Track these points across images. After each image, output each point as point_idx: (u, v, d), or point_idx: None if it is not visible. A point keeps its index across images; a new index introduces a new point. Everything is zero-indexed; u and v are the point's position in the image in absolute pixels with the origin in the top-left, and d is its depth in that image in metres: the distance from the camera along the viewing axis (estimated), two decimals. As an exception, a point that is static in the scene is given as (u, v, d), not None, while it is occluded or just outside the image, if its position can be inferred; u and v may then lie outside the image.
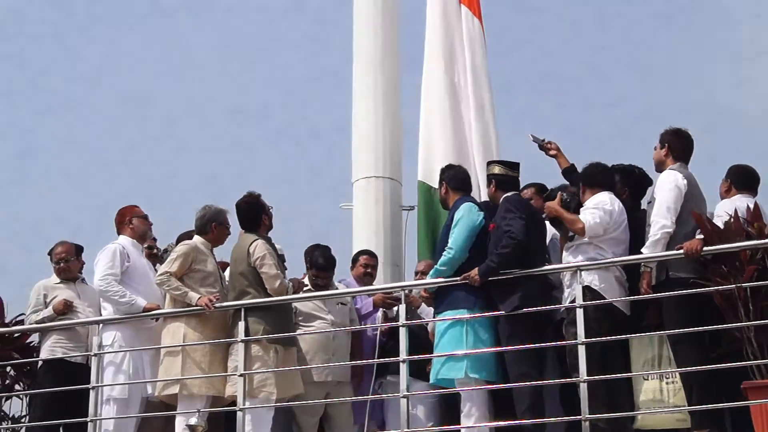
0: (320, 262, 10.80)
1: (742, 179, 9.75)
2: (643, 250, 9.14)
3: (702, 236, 8.76)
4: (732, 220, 8.80)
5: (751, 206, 9.04)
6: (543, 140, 10.54)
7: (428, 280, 10.01)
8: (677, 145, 9.52)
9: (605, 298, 9.04)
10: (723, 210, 9.29)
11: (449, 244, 9.70)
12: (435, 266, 9.90)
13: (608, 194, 9.53)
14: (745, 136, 26.28)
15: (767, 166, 9.98)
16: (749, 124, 28.55)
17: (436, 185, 11.26)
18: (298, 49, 33.95)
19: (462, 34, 12.86)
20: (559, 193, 9.86)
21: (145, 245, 11.28)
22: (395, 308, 10.20)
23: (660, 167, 9.56)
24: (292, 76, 33.43)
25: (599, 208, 9.38)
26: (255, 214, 10.44)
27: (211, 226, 10.58)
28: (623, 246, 9.39)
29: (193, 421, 8.82)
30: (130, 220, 11.02)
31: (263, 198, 10.54)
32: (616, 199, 9.54)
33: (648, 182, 10.00)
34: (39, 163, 32.56)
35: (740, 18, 31.78)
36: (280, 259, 10.92)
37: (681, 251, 8.71)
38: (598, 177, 9.70)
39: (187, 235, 10.97)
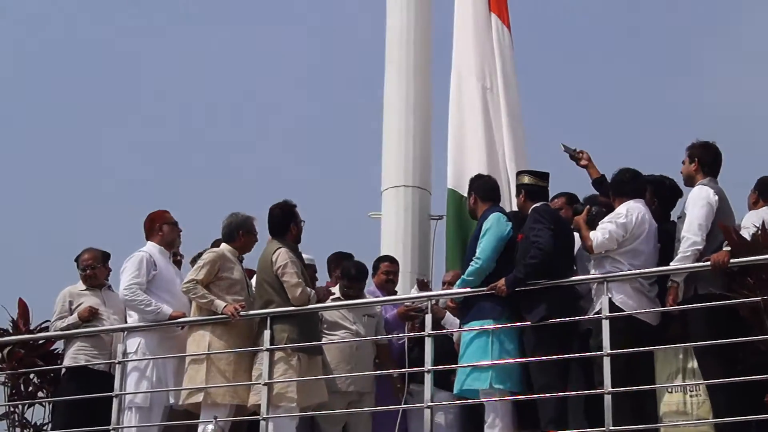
0: (352, 272, 10.82)
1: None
2: (671, 264, 9.12)
3: (729, 248, 8.69)
4: (759, 232, 8.70)
5: None
6: (575, 150, 10.50)
7: (455, 290, 9.99)
8: (707, 159, 9.45)
9: (623, 310, 9.02)
10: (750, 222, 9.24)
11: (477, 254, 9.70)
12: (462, 276, 9.87)
13: (633, 203, 9.46)
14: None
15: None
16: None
17: (465, 194, 11.26)
18: (331, 59, 34.63)
19: (492, 42, 12.91)
20: (587, 207, 9.84)
21: (176, 254, 11.35)
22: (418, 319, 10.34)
23: (690, 182, 9.49)
24: (324, 85, 34.10)
25: (612, 221, 9.35)
26: (285, 221, 10.44)
27: (238, 233, 10.59)
28: (642, 257, 9.30)
29: (210, 428, 8.88)
30: (160, 227, 10.98)
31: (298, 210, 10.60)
32: (642, 207, 9.48)
33: (678, 194, 9.92)
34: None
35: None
36: (311, 269, 11.00)
37: (708, 263, 8.66)
38: (625, 186, 9.63)
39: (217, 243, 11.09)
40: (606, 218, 9.46)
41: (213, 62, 35.35)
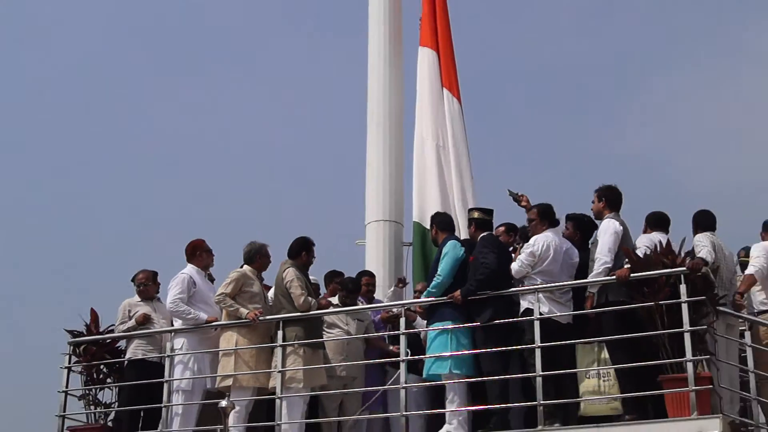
0: (350, 286, 11.59)
1: (656, 221, 10.69)
2: (588, 278, 9.94)
3: (629, 265, 9.55)
4: (651, 253, 9.64)
5: (664, 242, 9.90)
6: (517, 194, 11.04)
7: (422, 299, 10.75)
8: (611, 198, 10.33)
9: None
10: (642, 243, 10.15)
11: (438, 272, 10.47)
12: (427, 288, 10.66)
13: (543, 234, 10.32)
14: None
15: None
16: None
17: (428, 226, 12.02)
18: (322, 119, 35.98)
19: (444, 111, 13.85)
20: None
21: (209, 273, 11.86)
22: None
23: (599, 216, 10.34)
24: (319, 138, 35.29)
25: (524, 252, 10.20)
26: (299, 249, 11.29)
27: (256, 257, 11.38)
28: (551, 275, 10.13)
29: (223, 403, 9.25)
30: (200, 253, 11.70)
31: (314, 247, 11.45)
32: (549, 236, 10.27)
33: (594, 227, 10.60)
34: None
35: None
36: (315, 286, 11.71)
37: (614, 277, 9.57)
38: (545, 215, 10.50)
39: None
40: (522, 250, 10.31)
41: (223, 116, 37.11)
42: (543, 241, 10.25)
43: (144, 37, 37.62)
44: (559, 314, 10.06)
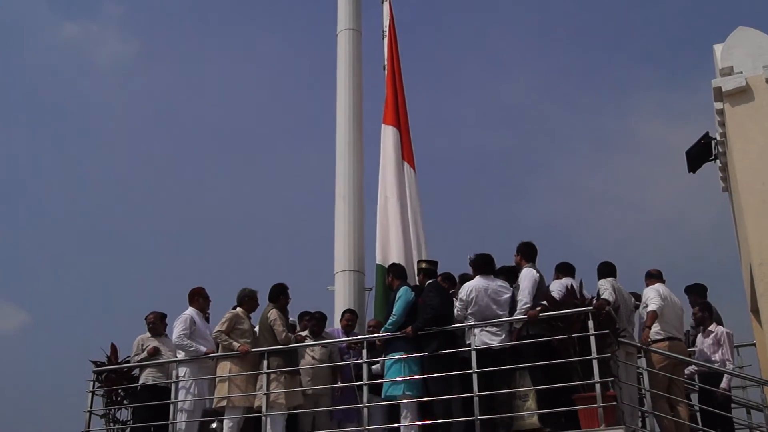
0: (317, 316, 11.45)
1: (565, 268, 10.61)
2: (514, 317, 9.93)
3: (539, 308, 9.59)
4: (565, 295, 9.68)
5: (575, 285, 9.93)
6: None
7: (381, 333, 10.59)
8: (527, 253, 10.41)
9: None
10: (555, 287, 10.15)
11: (393, 312, 10.43)
12: (384, 325, 10.54)
13: (472, 281, 10.25)
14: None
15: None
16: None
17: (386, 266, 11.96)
18: (298, 195, 37.25)
19: (404, 177, 13.74)
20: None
21: (206, 314, 11.71)
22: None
23: (519, 266, 10.39)
24: (297, 206, 36.80)
25: (458, 299, 10.24)
26: (278, 293, 11.17)
27: (245, 300, 11.30)
28: (482, 314, 10.07)
29: (213, 425, 9.21)
30: (198, 299, 11.57)
31: (288, 290, 11.34)
32: (477, 282, 10.17)
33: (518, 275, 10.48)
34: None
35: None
36: (293, 324, 11.59)
37: (525, 316, 9.69)
38: (478, 264, 10.40)
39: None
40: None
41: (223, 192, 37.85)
42: (468, 288, 10.25)
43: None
44: (495, 344, 10.04)
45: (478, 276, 10.32)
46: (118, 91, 40.35)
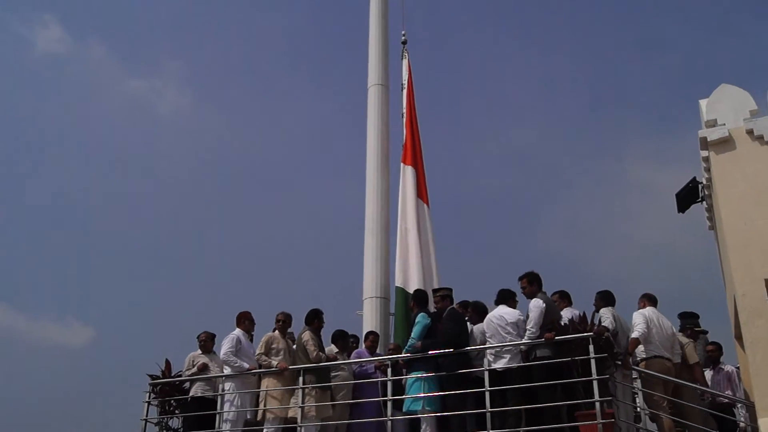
0: (337, 334, 11.37)
1: (563, 295, 10.58)
2: (523, 341, 9.73)
3: (553, 332, 9.42)
4: (570, 323, 9.54)
5: (579, 314, 9.76)
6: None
7: (403, 354, 10.48)
8: (536, 282, 10.09)
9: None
10: (564, 315, 9.99)
11: (412, 335, 10.34)
12: (405, 347, 10.45)
13: (493, 312, 10.16)
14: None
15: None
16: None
17: (407, 289, 12.19)
18: (331, 226, 37.29)
19: (422, 213, 13.76)
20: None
21: (251, 334, 11.63)
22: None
23: (530, 296, 10.05)
24: (332, 237, 36.59)
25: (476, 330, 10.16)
26: (312, 317, 11.03)
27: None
28: (494, 339, 9.89)
29: None
30: (244, 321, 11.51)
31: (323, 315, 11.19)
32: (502, 310, 10.05)
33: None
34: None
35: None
36: (323, 345, 11.25)
37: (542, 339, 9.44)
38: (499, 296, 10.27)
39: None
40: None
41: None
42: (488, 319, 10.27)
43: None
44: (503, 366, 9.86)
45: (500, 305, 10.28)
46: (177, 137, 40.45)
